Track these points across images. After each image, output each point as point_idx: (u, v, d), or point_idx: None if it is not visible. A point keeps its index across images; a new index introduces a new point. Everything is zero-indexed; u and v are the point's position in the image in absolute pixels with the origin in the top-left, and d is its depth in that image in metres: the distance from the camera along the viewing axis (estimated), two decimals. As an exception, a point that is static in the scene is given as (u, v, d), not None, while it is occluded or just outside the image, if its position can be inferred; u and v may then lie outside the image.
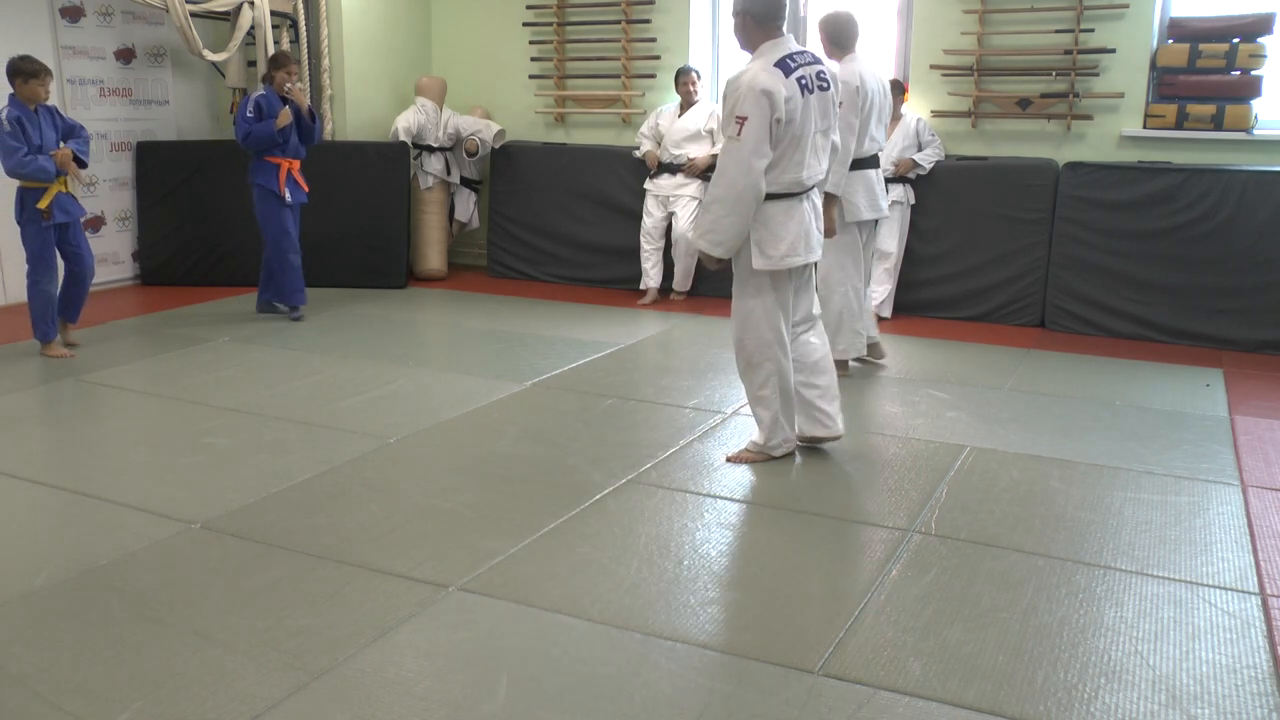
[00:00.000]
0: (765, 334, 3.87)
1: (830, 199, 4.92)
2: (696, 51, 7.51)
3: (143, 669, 2.56)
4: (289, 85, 6.22)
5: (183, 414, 4.60)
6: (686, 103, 7.06)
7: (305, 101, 6.32)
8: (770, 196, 3.72)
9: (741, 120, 3.60)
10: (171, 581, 3.03)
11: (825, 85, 3.80)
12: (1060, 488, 3.81)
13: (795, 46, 3.75)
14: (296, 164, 6.36)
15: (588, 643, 2.70)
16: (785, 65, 3.65)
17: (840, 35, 4.97)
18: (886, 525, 3.47)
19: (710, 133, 6.98)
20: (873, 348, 5.42)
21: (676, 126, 7.02)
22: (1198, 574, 3.13)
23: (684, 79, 7.02)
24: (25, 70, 5.25)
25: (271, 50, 7.24)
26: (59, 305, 5.62)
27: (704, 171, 6.86)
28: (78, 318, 5.75)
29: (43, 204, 5.34)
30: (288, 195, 6.30)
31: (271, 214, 6.32)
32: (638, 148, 7.22)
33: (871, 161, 5.07)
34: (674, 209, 7.04)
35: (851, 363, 5.36)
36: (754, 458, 4.01)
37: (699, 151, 6.96)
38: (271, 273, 6.44)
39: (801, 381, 4.03)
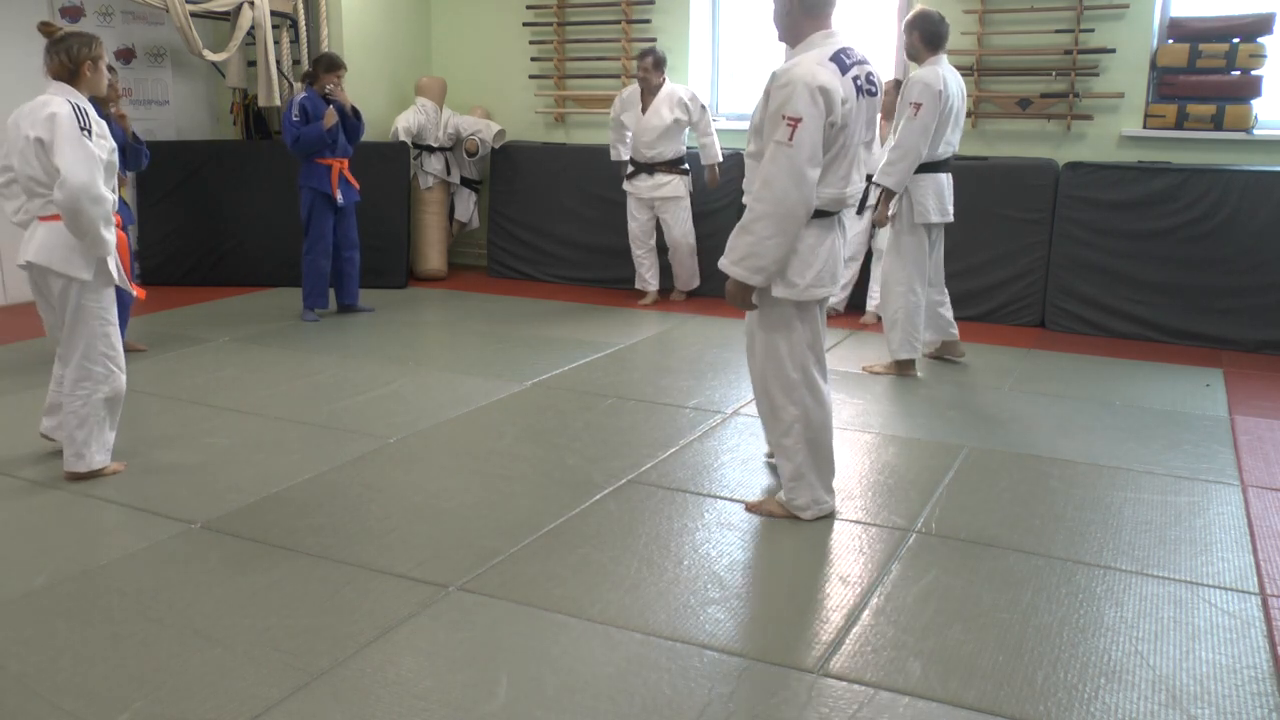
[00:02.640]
0: (789, 374, 3.36)
1: (886, 194, 5.05)
2: (696, 51, 7.52)
3: (143, 669, 2.56)
4: (331, 86, 6.27)
5: (183, 414, 4.60)
6: (646, 90, 6.74)
7: (348, 100, 6.36)
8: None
9: (794, 122, 3.05)
10: (171, 581, 3.03)
11: (874, 90, 3.31)
12: (1060, 488, 3.81)
13: (846, 40, 3.24)
14: (345, 163, 6.40)
15: (588, 643, 2.70)
16: (840, 61, 3.15)
17: (934, 35, 4.96)
18: (886, 525, 3.47)
19: (679, 123, 6.74)
20: (950, 345, 5.48)
21: (644, 125, 6.76)
22: (1198, 574, 3.13)
23: (641, 63, 6.67)
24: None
25: (270, 49, 7.25)
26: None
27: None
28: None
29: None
30: (340, 196, 6.34)
31: (319, 218, 6.36)
32: (612, 150, 7.02)
33: (944, 165, 5.08)
34: (663, 214, 6.94)
35: (927, 357, 5.47)
36: (777, 512, 3.52)
37: (669, 148, 6.76)
38: (305, 275, 6.47)
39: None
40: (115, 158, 3.74)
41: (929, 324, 5.36)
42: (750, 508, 3.56)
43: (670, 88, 6.76)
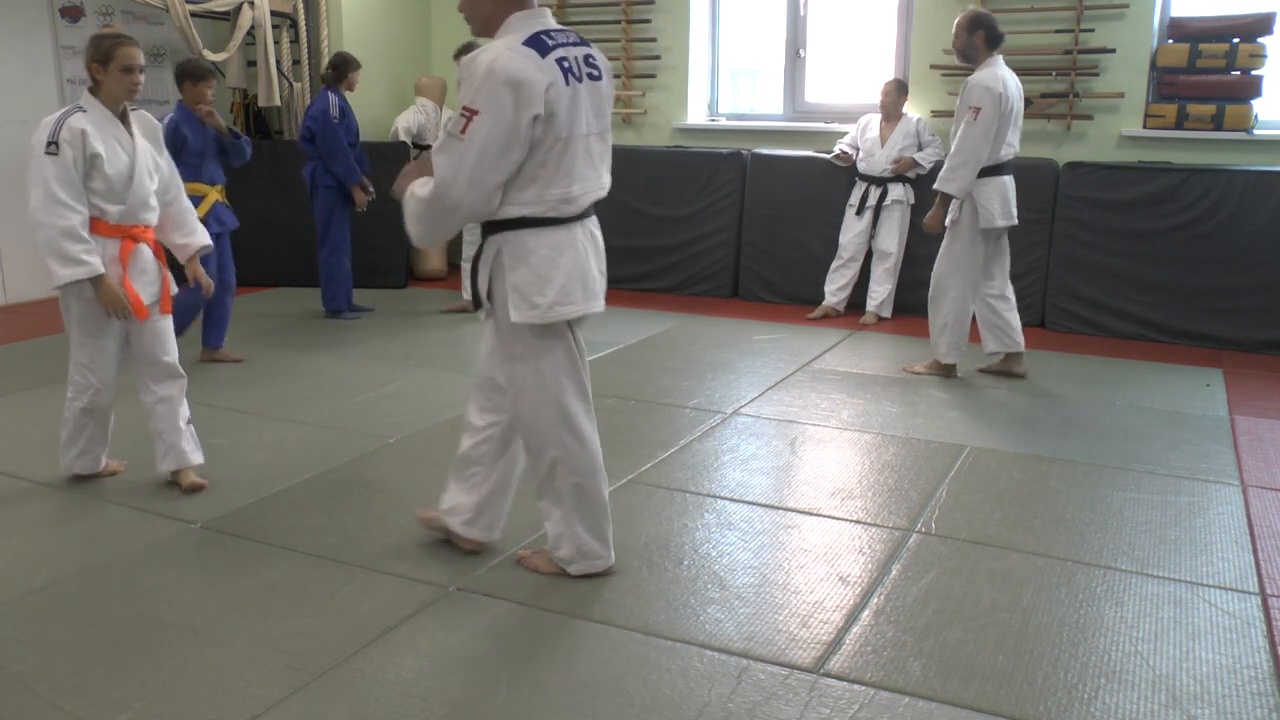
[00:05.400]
0: (544, 410, 2.90)
1: (944, 199, 4.96)
2: (696, 51, 7.51)
3: (143, 669, 2.56)
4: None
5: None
6: None
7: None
8: (531, 223, 2.78)
9: (471, 115, 2.61)
10: (171, 581, 3.03)
11: (597, 74, 2.83)
12: (1060, 488, 3.80)
13: (552, 22, 2.79)
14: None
15: (588, 643, 2.70)
16: (540, 43, 2.67)
17: (997, 35, 4.89)
18: (886, 525, 3.47)
19: None
20: (1015, 359, 5.28)
21: None
22: (1198, 574, 3.12)
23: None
24: (193, 72, 5.12)
25: (270, 49, 7.26)
26: (204, 329, 5.39)
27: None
28: (223, 340, 5.49)
29: (200, 212, 4.71)
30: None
31: (340, 218, 6.38)
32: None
33: (1006, 167, 5.02)
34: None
35: (987, 372, 5.33)
36: (545, 568, 3.07)
37: None
38: (333, 275, 6.46)
39: None
40: (139, 168, 3.51)
41: (992, 335, 5.23)
42: (522, 559, 3.14)
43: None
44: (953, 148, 4.92)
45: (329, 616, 2.82)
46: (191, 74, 5.12)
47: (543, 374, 2.89)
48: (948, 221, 5.07)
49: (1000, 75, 4.85)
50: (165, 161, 3.73)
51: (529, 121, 2.63)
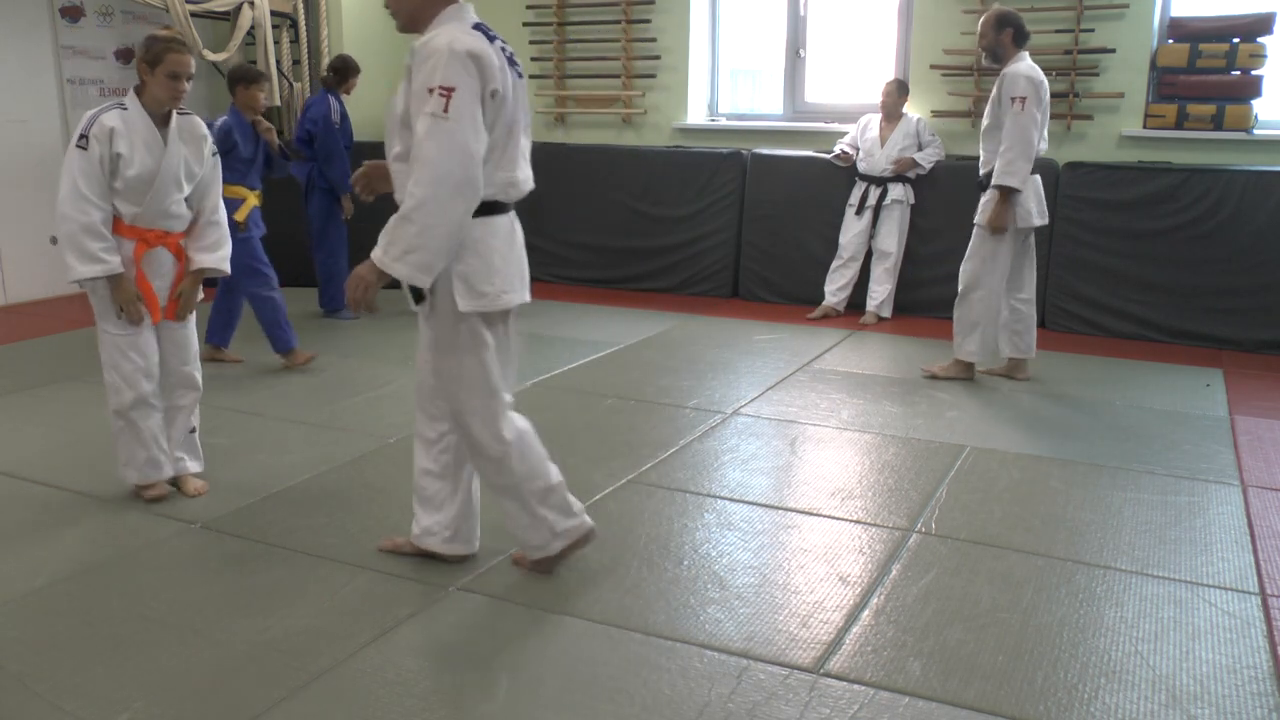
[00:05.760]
0: (490, 400, 2.88)
1: (1004, 193, 4.81)
2: (696, 51, 7.51)
3: (143, 669, 2.56)
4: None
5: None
6: None
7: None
8: (479, 211, 2.71)
9: (448, 92, 2.57)
10: (171, 581, 3.03)
11: (520, 72, 2.84)
12: (1060, 488, 3.80)
13: (476, 15, 2.80)
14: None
15: (588, 643, 2.70)
16: (484, 30, 2.73)
17: (1023, 31, 4.87)
18: (886, 525, 3.47)
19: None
20: (1019, 365, 5.23)
21: None
22: (1198, 574, 3.12)
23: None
24: (246, 76, 5.11)
25: (271, 49, 7.26)
26: (210, 326, 5.32)
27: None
28: (229, 340, 5.45)
29: (240, 215, 5.01)
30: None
31: (337, 219, 6.41)
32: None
33: (1036, 165, 4.92)
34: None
35: (990, 374, 5.26)
36: (530, 565, 3.08)
37: None
38: (331, 276, 6.46)
39: None
40: (163, 176, 3.42)
41: (1009, 339, 5.16)
42: (516, 560, 3.11)
43: None
44: (1004, 142, 4.80)
45: (329, 616, 2.82)
46: (245, 78, 5.14)
47: (485, 361, 2.86)
48: (978, 220, 4.97)
49: (1035, 66, 4.84)
50: (206, 170, 3.58)
51: (489, 96, 2.64)
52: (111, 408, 3.55)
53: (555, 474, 3.02)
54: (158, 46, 3.36)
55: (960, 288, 5.11)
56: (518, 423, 2.96)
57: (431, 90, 2.58)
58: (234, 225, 4.59)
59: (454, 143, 2.58)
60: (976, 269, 5.02)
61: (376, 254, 2.70)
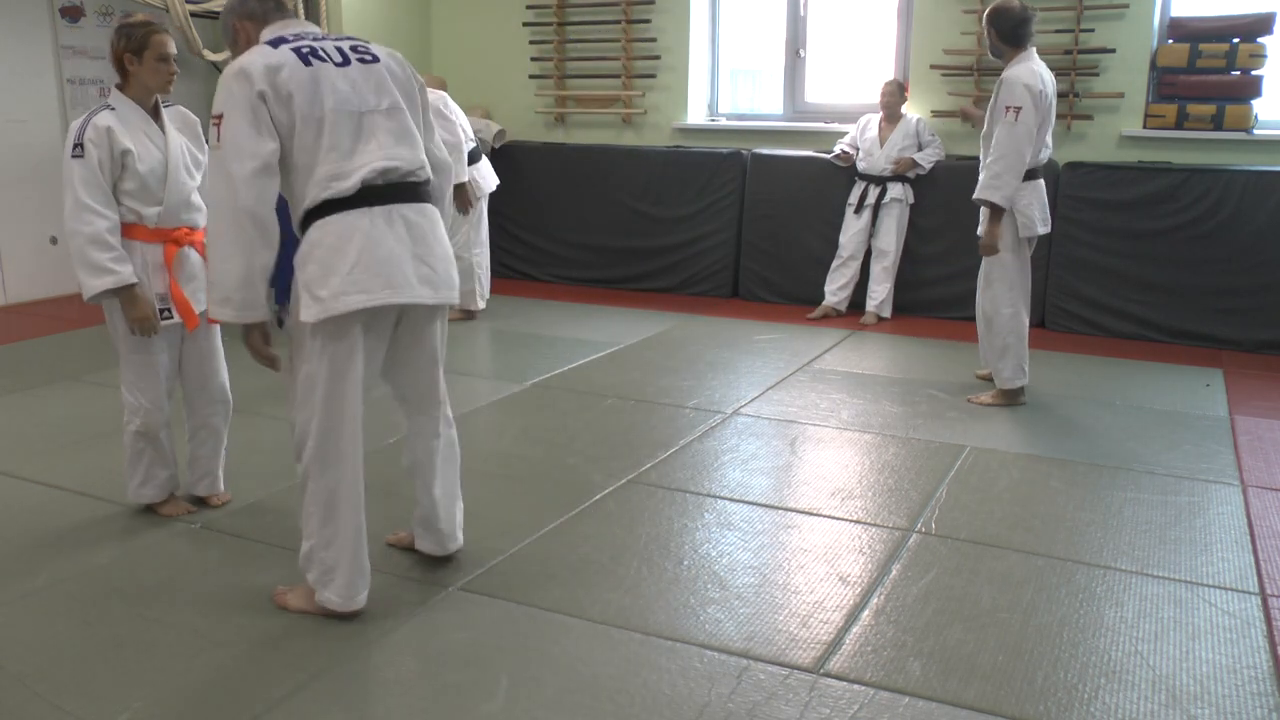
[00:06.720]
0: (325, 422, 2.76)
1: (995, 211, 4.51)
2: (696, 51, 7.51)
3: (143, 669, 2.56)
4: None
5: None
6: None
7: None
8: (316, 214, 2.65)
9: (218, 120, 2.58)
10: (171, 581, 3.03)
11: (370, 58, 2.75)
12: (1060, 488, 3.81)
13: (301, 28, 2.78)
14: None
15: (588, 643, 2.70)
16: (275, 41, 2.68)
17: (1008, 28, 4.49)
18: (886, 525, 3.47)
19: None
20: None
21: None
22: (1198, 574, 3.13)
23: None
24: None
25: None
26: None
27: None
28: None
29: None
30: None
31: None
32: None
33: (1039, 171, 4.67)
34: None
35: (980, 378, 5.12)
36: (304, 607, 2.83)
37: None
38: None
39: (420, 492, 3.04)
40: (173, 164, 3.30)
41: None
42: (277, 597, 2.91)
43: None
44: (992, 153, 4.50)
45: (329, 616, 2.82)
46: None
47: (328, 380, 2.72)
48: (981, 233, 4.65)
49: (1036, 70, 4.49)
50: (208, 158, 3.38)
51: (258, 98, 2.56)
52: (132, 429, 3.40)
53: (359, 530, 2.79)
54: (140, 33, 3.23)
55: (980, 315, 4.87)
56: (346, 455, 2.78)
57: (211, 120, 2.61)
58: None
59: (223, 172, 2.57)
60: (990, 291, 4.74)
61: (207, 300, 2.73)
